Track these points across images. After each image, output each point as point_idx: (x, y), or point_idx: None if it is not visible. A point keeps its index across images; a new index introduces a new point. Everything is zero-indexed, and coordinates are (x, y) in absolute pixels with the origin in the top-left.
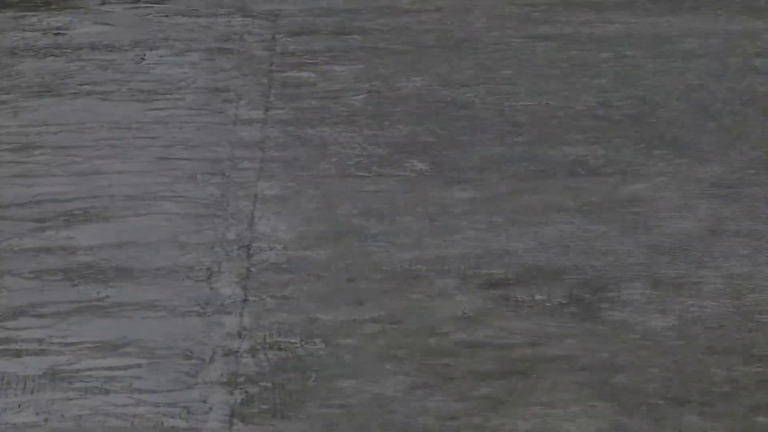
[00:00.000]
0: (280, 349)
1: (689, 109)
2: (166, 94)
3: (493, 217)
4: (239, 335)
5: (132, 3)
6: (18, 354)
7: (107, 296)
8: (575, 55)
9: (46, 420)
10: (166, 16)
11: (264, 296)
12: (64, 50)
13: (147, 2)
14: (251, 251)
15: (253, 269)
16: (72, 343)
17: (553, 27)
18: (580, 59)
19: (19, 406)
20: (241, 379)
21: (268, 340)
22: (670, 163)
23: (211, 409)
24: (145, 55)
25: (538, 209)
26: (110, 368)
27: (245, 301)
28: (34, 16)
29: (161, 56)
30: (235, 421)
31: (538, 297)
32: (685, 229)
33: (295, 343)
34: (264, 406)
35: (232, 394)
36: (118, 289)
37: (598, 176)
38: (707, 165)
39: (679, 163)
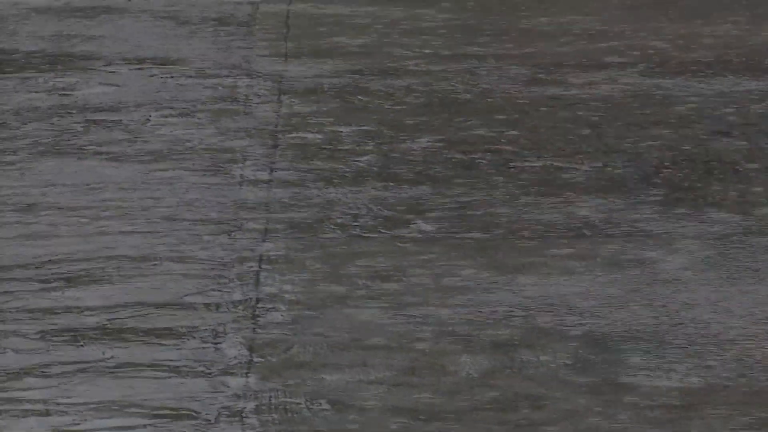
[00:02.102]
0: (285, 410)
1: (698, 168)
2: (172, 155)
3: (499, 277)
4: (244, 396)
5: (138, 64)
6: (24, 415)
7: (112, 357)
8: (580, 116)
9: None
10: (172, 77)
11: (269, 357)
12: (69, 111)
13: (153, 63)
14: (257, 312)
15: (258, 330)
16: (77, 404)
17: (559, 87)
18: (585, 119)
19: None
20: None
21: (273, 401)
22: (676, 223)
23: None
24: (150, 116)
25: (544, 270)
26: (115, 429)
27: (251, 361)
28: (40, 77)
29: (167, 117)
30: None
31: (543, 358)
32: (693, 290)
33: (301, 404)
34: None
35: None
36: (124, 350)
37: (604, 237)
38: (715, 224)
39: (686, 224)
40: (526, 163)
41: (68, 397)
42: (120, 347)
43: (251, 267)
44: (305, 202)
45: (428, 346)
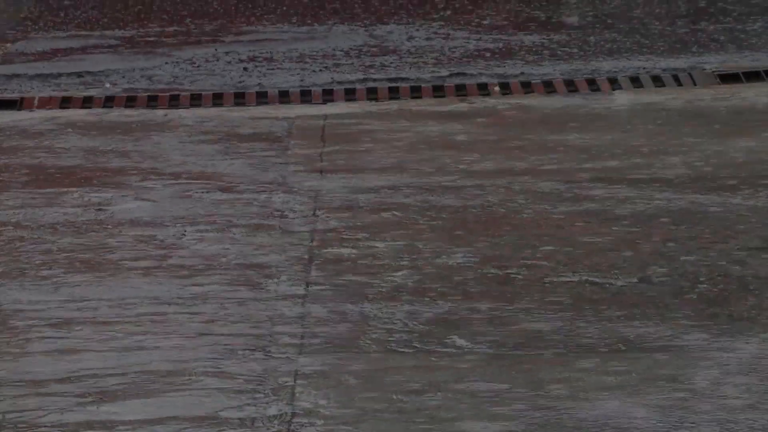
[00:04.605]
0: None
1: (731, 282)
2: (207, 269)
3: (535, 392)
4: None
5: (173, 179)
6: None
7: None
8: (615, 231)
9: None
10: (207, 192)
11: None
12: (104, 226)
13: (188, 179)
14: (292, 427)
15: None
16: None
17: (593, 203)
18: (619, 235)
19: None
20: None
21: None
22: (712, 339)
23: None
24: (185, 231)
25: (578, 385)
26: None
27: None
28: (75, 191)
29: (202, 232)
30: None
31: None
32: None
33: None
34: None
35: None
36: None
37: (638, 352)
38: (751, 340)
39: (722, 340)
40: (562, 278)
41: None
42: None
43: (286, 382)
44: (340, 317)
45: None
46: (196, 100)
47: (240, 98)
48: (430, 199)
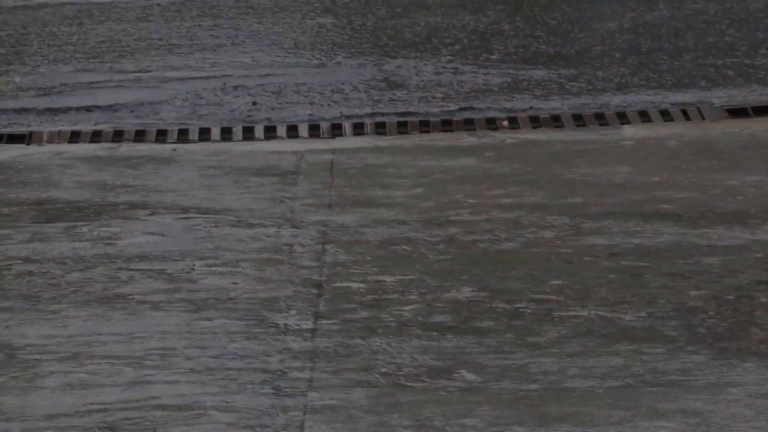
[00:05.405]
0: None
1: (740, 316)
2: (216, 304)
3: (544, 427)
4: None
5: (182, 213)
6: None
7: None
8: (624, 265)
9: None
10: (216, 226)
11: None
12: (113, 260)
13: (197, 213)
14: None
15: None
16: None
17: (602, 237)
18: (628, 269)
19: None
20: None
21: None
22: (721, 372)
23: None
24: (194, 265)
25: (587, 419)
26: None
27: None
28: (84, 226)
29: (211, 267)
30: None
31: None
32: None
33: None
34: None
35: None
36: None
37: (647, 386)
38: (761, 374)
39: (731, 373)
40: (570, 313)
41: None
42: None
43: (296, 416)
44: (350, 352)
45: None
46: (205, 134)
47: (249, 132)
48: (438, 233)
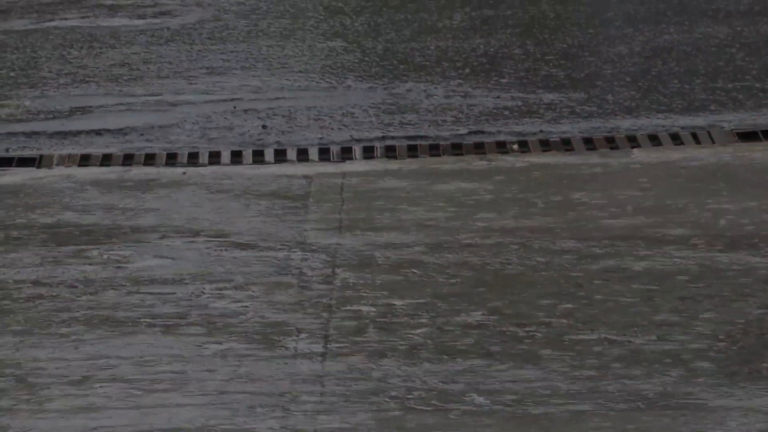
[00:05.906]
0: None
1: (751, 340)
2: (226, 327)
3: None
4: None
5: (192, 237)
6: None
7: None
8: (633, 289)
9: None
10: (226, 249)
11: None
12: (123, 284)
13: (207, 236)
14: None
15: None
16: None
17: (611, 260)
18: (637, 293)
19: None
20: None
21: None
22: (731, 397)
23: None
24: (204, 288)
25: None
26: None
27: None
28: (94, 249)
29: (221, 290)
30: None
31: None
32: None
33: None
34: None
35: None
36: None
37: (658, 410)
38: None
39: (741, 398)
40: (580, 336)
41: None
42: None
43: None
44: (360, 375)
45: None
46: (215, 157)
47: (259, 156)
48: (448, 257)
